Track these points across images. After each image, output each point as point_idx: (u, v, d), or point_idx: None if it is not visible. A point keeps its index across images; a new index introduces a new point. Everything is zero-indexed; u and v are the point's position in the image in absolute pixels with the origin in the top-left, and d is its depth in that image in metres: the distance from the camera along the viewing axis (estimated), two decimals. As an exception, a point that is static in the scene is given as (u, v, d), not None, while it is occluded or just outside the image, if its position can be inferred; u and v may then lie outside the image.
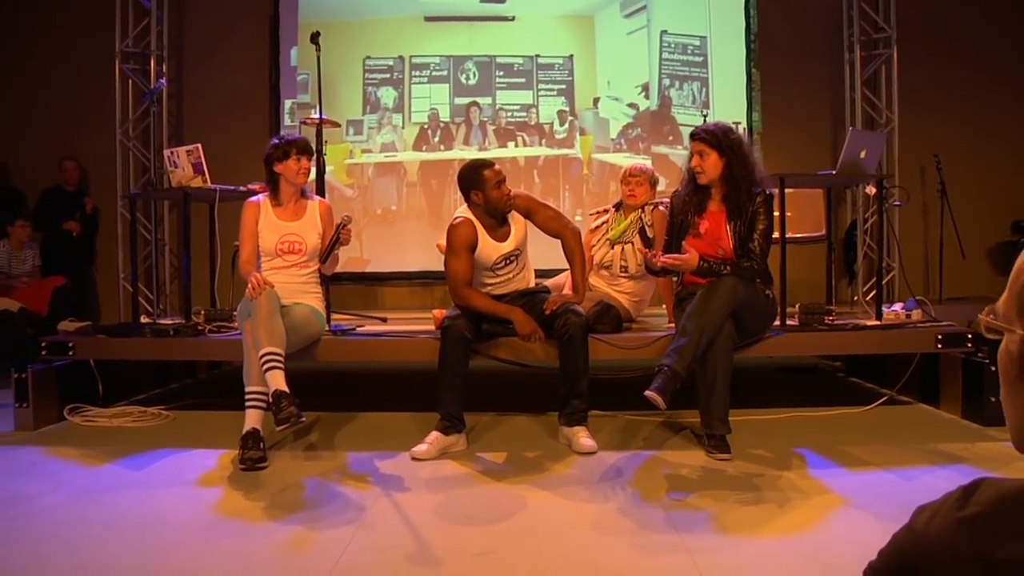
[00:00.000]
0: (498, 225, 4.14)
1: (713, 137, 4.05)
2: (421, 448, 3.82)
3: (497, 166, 4.10)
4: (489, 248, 4.10)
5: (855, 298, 7.01)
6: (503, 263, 4.15)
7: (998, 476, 0.74)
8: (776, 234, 4.40)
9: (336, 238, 4.23)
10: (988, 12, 7.70)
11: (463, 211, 4.15)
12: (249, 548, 2.71)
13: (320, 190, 4.91)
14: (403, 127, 7.67)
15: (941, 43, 7.64)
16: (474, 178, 4.03)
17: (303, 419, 3.55)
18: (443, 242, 5.16)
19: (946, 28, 7.66)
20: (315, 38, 4.93)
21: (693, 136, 4.15)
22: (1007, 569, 0.65)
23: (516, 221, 4.16)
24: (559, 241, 4.19)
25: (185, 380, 6.05)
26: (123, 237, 7.54)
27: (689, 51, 7.67)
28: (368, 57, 7.68)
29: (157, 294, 7.64)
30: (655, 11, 7.64)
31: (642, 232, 4.72)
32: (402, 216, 7.64)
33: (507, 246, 4.12)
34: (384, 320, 5.35)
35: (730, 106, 7.60)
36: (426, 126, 7.65)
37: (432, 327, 4.69)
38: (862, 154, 4.61)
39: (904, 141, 7.47)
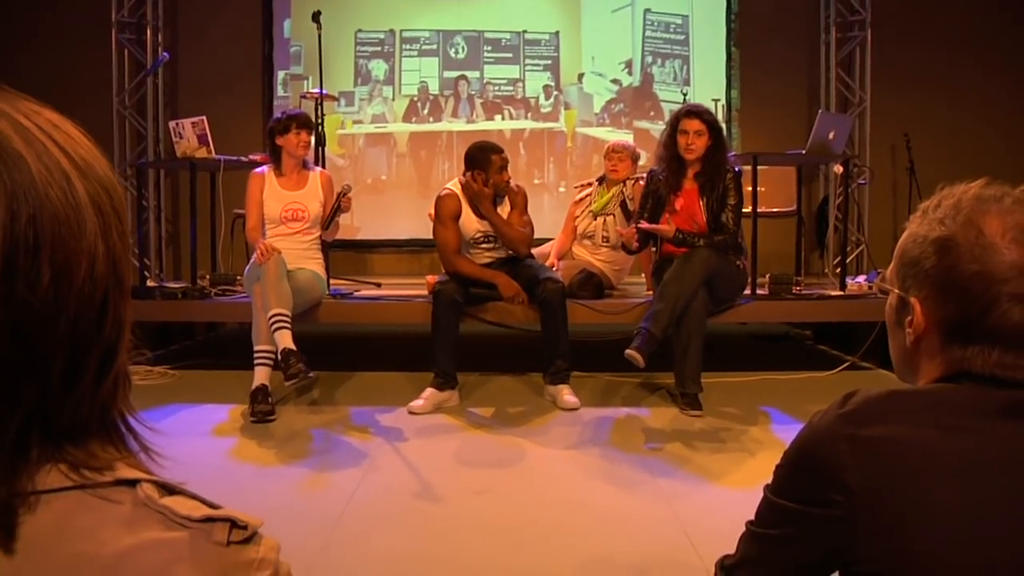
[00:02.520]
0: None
1: (711, 118, 4.36)
2: (417, 403, 4.13)
3: (504, 153, 4.42)
4: (471, 222, 4.41)
5: (825, 269, 7.35)
6: (483, 239, 4.45)
7: (869, 388, 1.06)
8: (748, 209, 4.72)
9: (337, 206, 4.51)
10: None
11: (453, 184, 4.47)
12: (269, 488, 3.02)
13: (320, 160, 5.16)
14: (393, 99, 7.89)
15: (915, 24, 7.90)
16: (481, 158, 4.34)
17: (311, 375, 3.85)
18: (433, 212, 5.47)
19: (920, 9, 7.92)
20: (316, 17, 5.17)
21: (691, 114, 4.40)
22: (866, 443, 0.97)
23: (506, 208, 4.46)
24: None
25: (184, 342, 6.31)
26: (120, 203, 7.75)
27: (671, 29, 7.93)
28: (360, 30, 7.89)
29: (153, 259, 7.87)
30: (639, -10, 7.89)
31: (623, 205, 5.02)
32: (392, 186, 7.89)
33: (489, 226, 4.42)
34: (379, 285, 5.63)
35: (710, 84, 7.87)
36: (416, 98, 7.88)
37: (425, 292, 5.00)
38: (830, 135, 4.93)
39: (876, 120, 7.76)
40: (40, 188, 0.57)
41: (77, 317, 0.58)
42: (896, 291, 1.11)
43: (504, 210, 4.46)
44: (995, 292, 0.99)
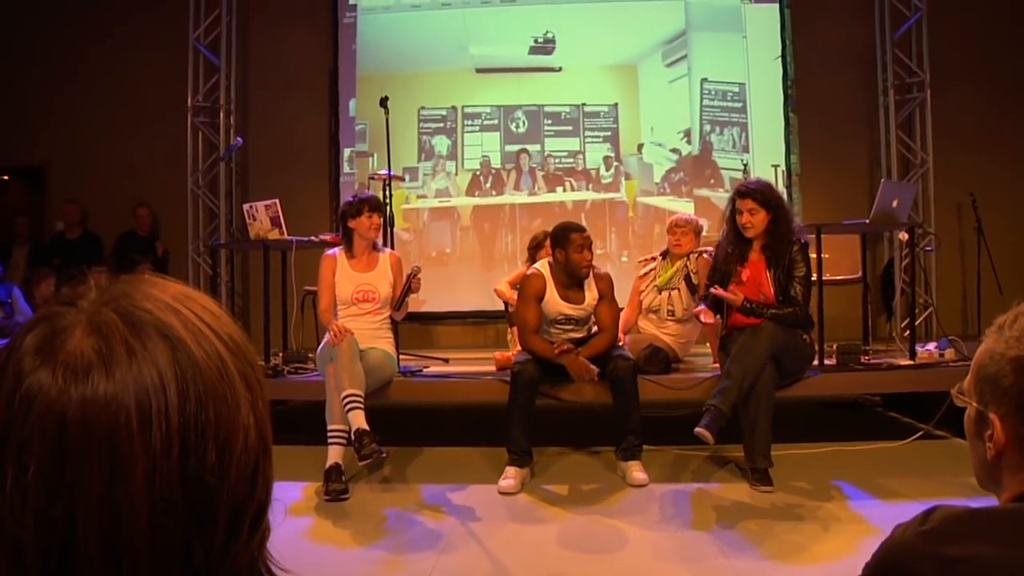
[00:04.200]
0: (573, 285, 4.53)
1: (763, 196, 4.41)
2: (508, 482, 4.17)
3: (586, 232, 4.52)
4: (554, 303, 4.49)
5: (893, 334, 7.26)
6: (564, 321, 4.52)
7: (951, 502, 1.09)
8: (813, 277, 4.73)
9: (408, 287, 4.62)
10: (1020, 50, 7.93)
11: (541, 264, 4.60)
12: (347, 570, 3.08)
13: (388, 241, 5.30)
14: (456, 173, 8.09)
15: (973, 82, 7.88)
16: (562, 237, 4.46)
17: (384, 455, 3.93)
18: (500, 287, 5.58)
19: (977, 67, 7.90)
20: (384, 102, 5.34)
21: (743, 194, 4.47)
22: (950, 562, 0.99)
23: (592, 292, 4.53)
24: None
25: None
26: (194, 279, 8.01)
27: (729, 97, 8.02)
28: (423, 107, 8.12)
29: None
30: (695, 60, 8.01)
31: (687, 279, 5.07)
32: (456, 259, 8.04)
33: (572, 309, 4.50)
34: (447, 361, 5.72)
35: (769, 150, 7.92)
36: (478, 172, 8.06)
37: (494, 368, 5.09)
38: (894, 203, 4.93)
39: (940, 180, 7.71)
40: (203, 370, 0.64)
41: (236, 485, 0.65)
42: (975, 404, 1.14)
43: (588, 292, 4.53)
44: None
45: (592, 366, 4.34)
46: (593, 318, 4.63)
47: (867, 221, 5.02)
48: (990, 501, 1.16)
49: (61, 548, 0.59)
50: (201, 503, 0.62)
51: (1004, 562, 0.99)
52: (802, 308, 4.39)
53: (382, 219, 4.79)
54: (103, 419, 0.60)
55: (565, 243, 4.44)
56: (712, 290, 4.44)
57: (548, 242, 4.91)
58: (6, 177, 9.33)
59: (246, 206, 5.76)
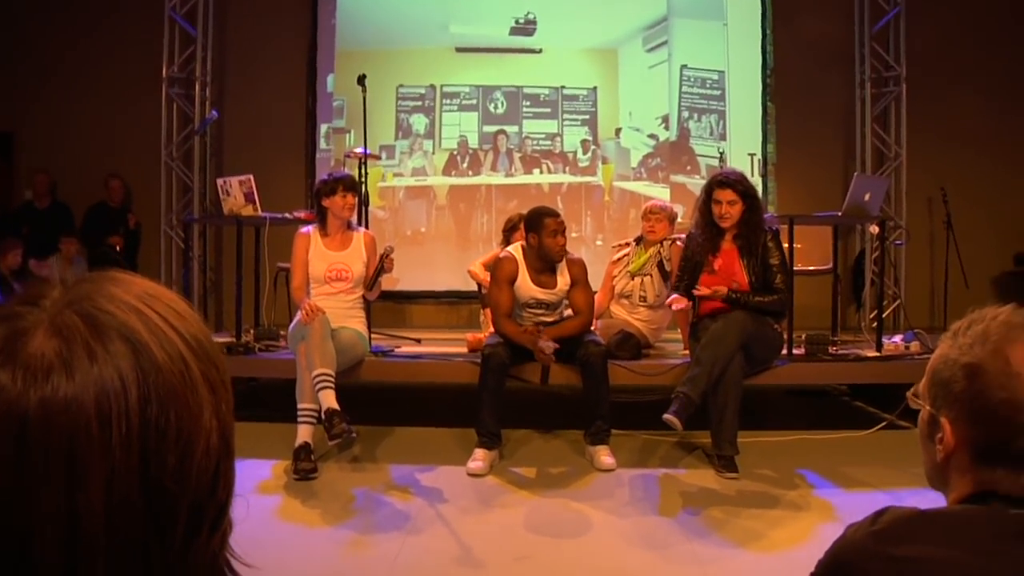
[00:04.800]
0: (545, 270, 4.55)
1: (742, 187, 4.45)
2: (476, 464, 4.20)
3: (560, 217, 4.52)
4: (525, 287, 4.51)
5: (861, 324, 7.34)
6: (536, 305, 4.54)
7: (900, 506, 1.12)
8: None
9: (380, 267, 4.62)
10: (996, 47, 7.98)
11: (514, 247, 4.62)
12: (313, 549, 3.10)
13: (363, 220, 5.29)
14: (433, 153, 8.05)
15: (949, 78, 7.93)
16: (536, 222, 4.47)
17: (354, 435, 3.95)
18: (474, 268, 5.59)
19: (954, 63, 7.96)
20: (361, 80, 5.32)
21: (723, 184, 4.49)
22: (899, 562, 1.02)
23: (564, 277, 4.55)
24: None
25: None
26: (165, 253, 7.95)
27: (708, 84, 8.04)
28: (401, 85, 8.08)
29: (196, 308, 8.01)
30: (676, 46, 8.01)
31: (660, 265, 5.10)
32: (431, 238, 8.02)
33: (544, 294, 4.52)
34: (418, 341, 5.73)
35: (746, 138, 7.96)
36: (455, 152, 8.03)
37: (465, 349, 5.11)
38: (866, 197, 4.98)
39: (912, 174, 7.78)
40: (165, 374, 0.64)
41: (196, 488, 0.65)
42: (928, 408, 1.17)
43: (561, 277, 4.54)
44: (1021, 420, 1.05)
45: (549, 343, 4.34)
46: (565, 302, 4.66)
47: (839, 214, 5.08)
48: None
49: (17, 551, 0.59)
50: (160, 506, 0.62)
51: (949, 562, 1.02)
52: (786, 295, 4.46)
53: (357, 199, 4.77)
54: (62, 421, 0.59)
55: (539, 228, 4.46)
56: (695, 292, 4.47)
57: (522, 226, 4.92)
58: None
59: (220, 181, 5.73)
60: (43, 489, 0.59)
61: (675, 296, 4.58)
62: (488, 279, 5.26)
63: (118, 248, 7.83)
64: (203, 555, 0.67)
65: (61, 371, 0.61)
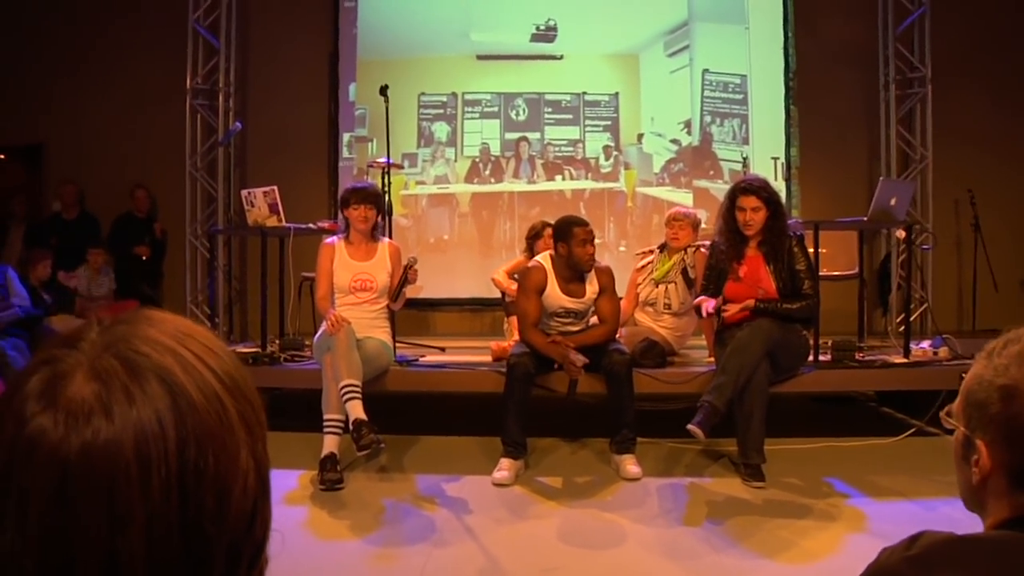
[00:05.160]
0: (574, 279, 4.54)
1: (767, 193, 4.42)
2: (502, 474, 4.20)
3: (589, 227, 4.51)
4: (554, 296, 4.50)
5: (888, 329, 7.28)
6: (563, 314, 4.53)
7: (936, 530, 1.10)
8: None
9: (404, 278, 4.63)
10: (1020, 48, 7.92)
11: (543, 256, 4.61)
12: (340, 561, 3.10)
13: (387, 229, 5.30)
14: (455, 160, 8.07)
15: (974, 79, 7.87)
16: (565, 230, 4.46)
17: (383, 445, 3.96)
18: (497, 276, 5.59)
19: (980, 65, 7.89)
20: (384, 91, 5.34)
21: (747, 191, 4.47)
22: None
23: (593, 285, 4.54)
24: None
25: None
26: (191, 263, 8.01)
27: (730, 89, 8.01)
28: (423, 93, 8.10)
29: (222, 316, 8.07)
30: (697, 50, 7.99)
31: (684, 273, 5.08)
32: (454, 245, 8.04)
33: (573, 303, 4.51)
34: (443, 350, 5.74)
35: (769, 142, 7.92)
36: (477, 159, 8.05)
37: (489, 359, 5.11)
38: (892, 201, 4.94)
39: (939, 176, 7.71)
40: (202, 415, 0.64)
41: (234, 528, 0.65)
42: (962, 429, 1.16)
43: (589, 285, 4.54)
44: None
45: (580, 357, 4.34)
46: (592, 310, 4.65)
47: (865, 219, 5.04)
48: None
49: None
50: (199, 548, 0.63)
51: None
52: (815, 301, 4.44)
53: (375, 211, 4.75)
54: (103, 466, 0.60)
55: (568, 237, 4.45)
56: (724, 314, 4.45)
57: (548, 233, 4.91)
58: (2, 156, 9.29)
59: (244, 192, 5.76)
60: (84, 532, 0.60)
61: (702, 297, 4.55)
62: (511, 287, 5.27)
63: (144, 258, 7.90)
64: None
65: (101, 414, 0.61)
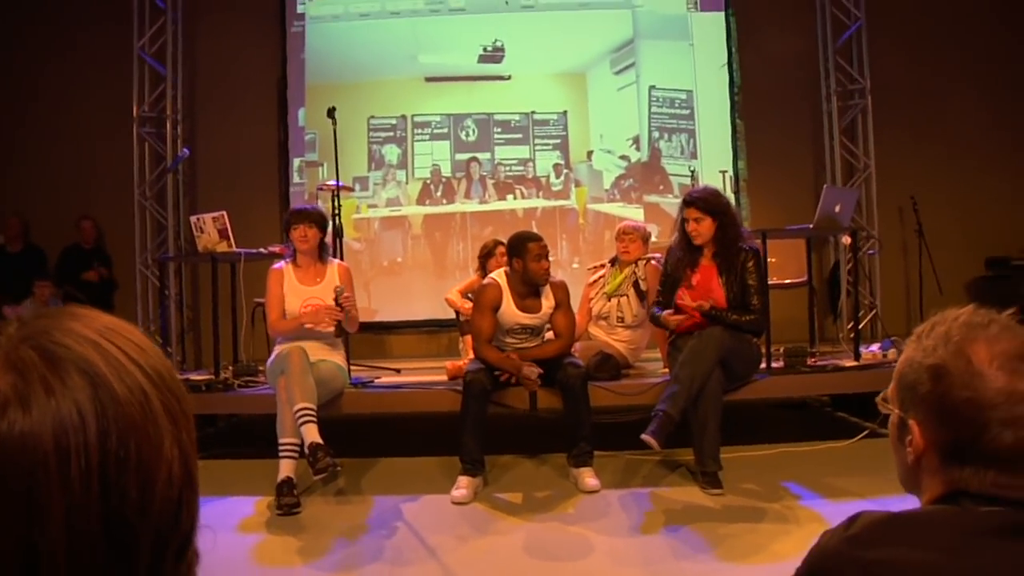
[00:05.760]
0: (530, 295, 4.56)
1: (707, 204, 4.49)
2: (460, 492, 4.18)
3: (543, 242, 4.53)
4: (510, 313, 4.52)
5: (840, 335, 7.39)
6: (519, 330, 4.55)
7: (873, 509, 1.13)
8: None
9: (340, 307, 4.53)
10: (958, 54, 8.10)
11: (497, 274, 4.62)
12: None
13: (338, 251, 5.28)
14: (407, 182, 8.07)
15: (914, 88, 8.05)
16: (519, 246, 4.48)
17: (339, 468, 3.93)
18: (451, 296, 5.59)
19: (918, 73, 8.07)
20: (331, 113, 5.33)
21: (688, 203, 4.56)
22: (873, 566, 1.04)
23: (549, 300, 4.56)
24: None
25: (207, 429, 6.36)
26: (142, 293, 7.89)
27: (676, 104, 8.11)
28: (372, 116, 8.10)
29: (175, 347, 7.96)
30: (643, 67, 8.09)
31: (636, 285, 5.12)
32: (408, 267, 8.02)
33: (529, 319, 4.54)
34: (398, 371, 5.72)
35: (717, 155, 8.02)
36: (429, 181, 8.05)
37: (445, 377, 5.10)
38: (837, 208, 5.03)
39: (882, 184, 7.86)
40: (124, 406, 0.64)
41: (159, 519, 0.64)
42: (897, 411, 1.18)
43: (545, 300, 4.56)
44: (985, 417, 1.06)
45: (534, 368, 4.36)
46: (548, 327, 4.66)
47: (811, 226, 5.12)
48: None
49: None
50: (123, 539, 0.62)
51: (921, 563, 1.03)
52: (763, 316, 4.50)
53: (317, 230, 4.70)
54: (20, 458, 0.59)
55: (522, 252, 4.47)
56: (677, 300, 4.48)
57: (501, 251, 4.92)
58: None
59: (193, 218, 5.71)
60: (1, 524, 0.59)
61: (668, 312, 4.56)
62: (465, 306, 5.27)
63: (96, 280, 7.71)
64: None
65: (17, 406, 0.60)
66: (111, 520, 0.62)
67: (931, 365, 1.12)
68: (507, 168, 8.04)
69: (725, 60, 8.07)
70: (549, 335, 4.70)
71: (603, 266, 5.42)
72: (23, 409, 0.60)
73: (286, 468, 4.10)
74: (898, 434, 1.20)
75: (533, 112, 8.07)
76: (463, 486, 4.20)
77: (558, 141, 8.05)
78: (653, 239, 5.54)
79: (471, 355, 4.79)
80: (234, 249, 5.45)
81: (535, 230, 7.65)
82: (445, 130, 8.09)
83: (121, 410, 0.63)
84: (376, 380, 5.31)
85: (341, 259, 5.12)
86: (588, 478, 4.28)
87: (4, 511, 0.59)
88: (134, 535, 0.63)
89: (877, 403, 1.26)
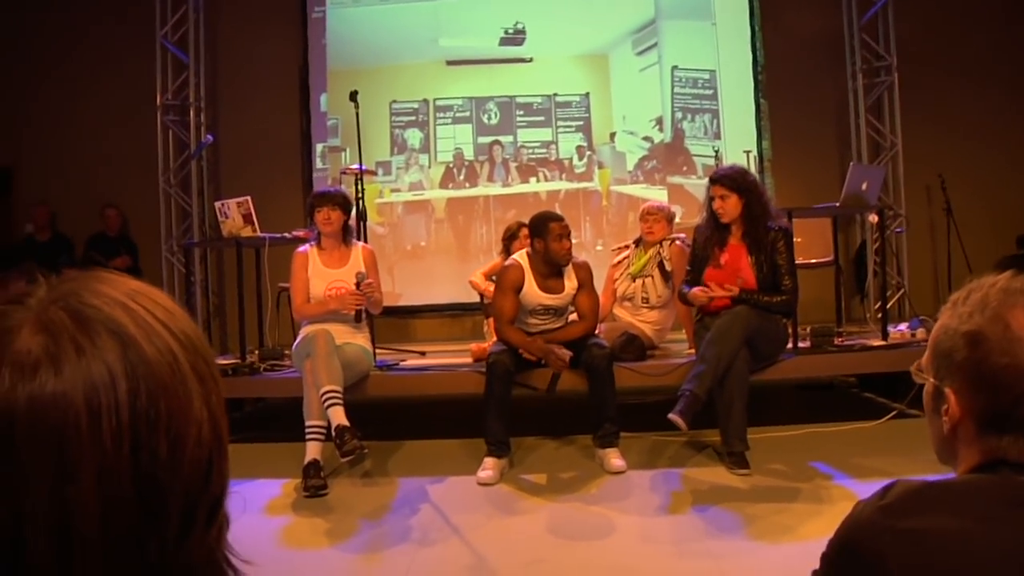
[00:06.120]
0: (552, 275, 4.53)
1: (732, 181, 4.45)
2: (486, 473, 4.18)
3: (564, 221, 4.50)
4: (532, 294, 4.50)
5: (866, 315, 7.32)
6: (542, 311, 4.53)
7: (909, 478, 1.11)
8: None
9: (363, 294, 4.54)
10: (985, 31, 7.98)
11: (520, 254, 4.60)
12: (325, 566, 3.08)
13: (362, 235, 5.29)
14: (429, 166, 8.07)
15: (941, 65, 7.94)
16: (540, 226, 4.45)
17: (366, 451, 3.94)
18: (475, 278, 5.59)
19: (945, 51, 7.96)
20: (353, 96, 5.33)
21: (713, 180, 4.53)
22: (907, 535, 1.02)
23: (571, 281, 4.54)
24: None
25: (232, 414, 6.41)
26: (168, 280, 7.95)
27: (699, 84, 8.04)
28: (394, 101, 8.10)
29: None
30: (666, 48, 8.02)
31: (660, 266, 5.09)
32: (431, 251, 8.03)
33: (551, 299, 4.51)
34: (423, 354, 5.73)
35: (740, 136, 7.95)
36: (451, 165, 8.04)
37: (470, 360, 5.10)
38: (863, 186, 4.97)
39: (909, 162, 7.77)
40: (154, 366, 0.64)
41: (190, 479, 0.65)
42: (932, 380, 1.16)
43: (568, 281, 4.54)
44: None
45: (564, 351, 4.36)
46: (571, 308, 4.65)
47: (837, 204, 5.07)
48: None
49: (10, 547, 0.59)
50: (154, 498, 0.62)
51: (957, 532, 1.01)
52: (792, 297, 4.47)
53: (340, 212, 4.70)
54: (51, 417, 0.59)
55: (544, 232, 4.45)
56: (710, 294, 4.43)
57: (524, 234, 4.91)
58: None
59: (218, 204, 5.74)
60: (33, 484, 0.59)
61: (697, 288, 4.52)
62: (489, 289, 5.26)
63: (124, 266, 7.76)
64: (200, 549, 0.67)
65: (49, 366, 0.61)
66: (142, 480, 0.62)
67: (968, 331, 1.09)
68: (530, 151, 8.01)
69: (748, 39, 7.99)
70: (573, 316, 4.69)
71: (627, 247, 5.39)
72: (54, 369, 0.61)
73: (312, 450, 4.12)
74: (933, 404, 1.17)
75: (555, 94, 8.03)
76: (489, 467, 4.20)
77: (581, 123, 8.01)
78: (677, 220, 5.49)
79: (495, 337, 4.78)
80: (259, 234, 5.47)
81: (559, 212, 7.66)
82: (467, 113, 8.08)
83: (150, 370, 0.64)
84: (401, 363, 5.32)
85: (365, 242, 5.12)
86: (614, 459, 4.27)
87: (37, 471, 0.59)
88: (164, 495, 0.63)
89: (912, 372, 1.24)
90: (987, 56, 7.99)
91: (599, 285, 5.16)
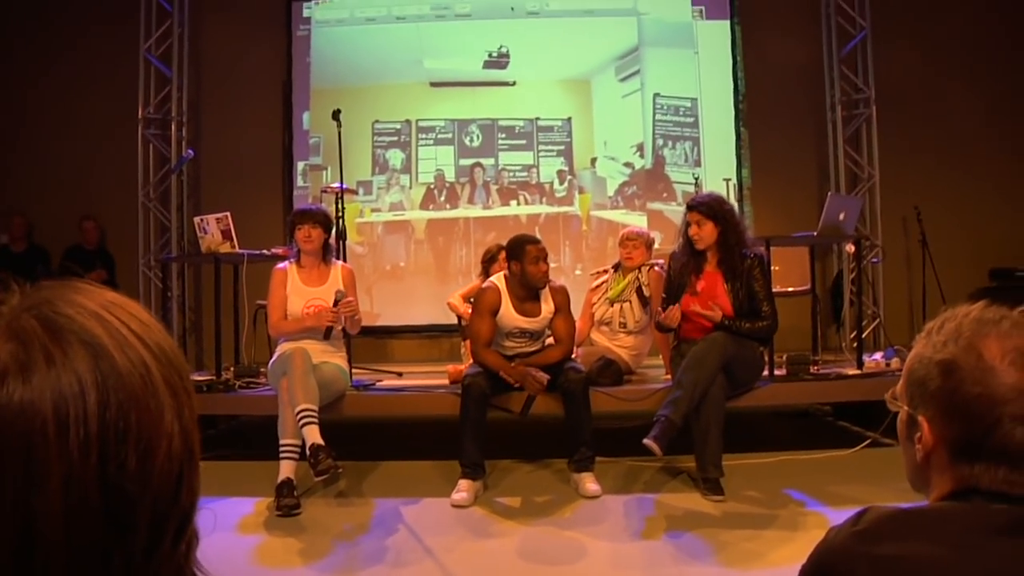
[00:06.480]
0: (529, 298, 4.53)
1: (709, 208, 4.49)
2: (461, 495, 4.15)
3: (542, 244, 4.52)
4: (509, 317, 4.50)
5: (844, 344, 7.37)
6: (519, 334, 4.54)
7: (882, 504, 1.12)
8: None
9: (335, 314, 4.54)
10: (964, 68, 8.11)
11: (497, 277, 4.60)
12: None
13: (341, 254, 5.27)
14: (410, 187, 8.07)
15: (919, 98, 8.04)
16: (517, 249, 4.47)
17: (340, 470, 3.92)
18: (453, 300, 5.58)
19: (923, 83, 8.07)
20: (336, 115, 5.32)
21: (690, 207, 4.57)
22: (881, 561, 1.03)
23: (548, 304, 4.54)
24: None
25: (207, 431, 6.35)
26: (144, 294, 7.89)
27: (681, 112, 8.11)
28: (377, 121, 8.11)
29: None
30: (648, 75, 8.09)
31: (639, 291, 5.11)
32: (410, 272, 8.02)
33: (528, 323, 4.52)
34: (400, 374, 5.71)
35: (721, 164, 8.02)
36: (432, 186, 8.05)
37: (447, 381, 5.08)
38: (841, 216, 5.02)
39: (886, 194, 7.85)
40: (125, 378, 0.64)
41: (159, 492, 0.64)
42: (906, 408, 1.17)
43: (545, 304, 4.54)
44: (997, 413, 1.05)
45: (542, 374, 4.36)
46: (548, 331, 4.65)
47: (815, 234, 5.12)
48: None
49: None
50: (121, 511, 0.62)
51: (933, 559, 1.01)
52: (774, 323, 4.49)
53: (321, 230, 4.70)
54: (18, 426, 0.59)
55: (521, 255, 4.45)
56: (684, 309, 4.44)
57: (503, 256, 4.91)
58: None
59: (197, 219, 5.71)
60: None
61: (669, 310, 4.51)
62: (467, 311, 5.26)
63: (101, 280, 7.74)
64: (168, 564, 0.66)
65: (17, 375, 0.60)
66: (109, 491, 0.61)
67: (941, 360, 1.10)
68: (511, 174, 8.04)
69: (730, 68, 8.07)
70: (549, 340, 4.69)
71: (606, 271, 5.41)
72: (23, 378, 0.60)
73: (286, 469, 4.09)
74: (907, 432, 1.19)
75: (537, 118, 8.07)
76: (463, 489, 4.18)
77: (562, 147, 8.05)
78: (656, 246, 5.52)
79: (472, 359, 4.77)
80: (237, 250, 5.44)
81: (538, 236, 7.66)
82: (449, 135, 8.10)
83: (122, 382, 0.63)
84: (378, 383, 5.30)
85: (344, 262, 5.11)
86: (589, 483, 4.26)
87: (2, 477, 0.58)
88: (132, 507, 0.62)
89: (886, 400, 1.25)
90: (965, 89, 8.10)
91: (577, 309, 5.17)
